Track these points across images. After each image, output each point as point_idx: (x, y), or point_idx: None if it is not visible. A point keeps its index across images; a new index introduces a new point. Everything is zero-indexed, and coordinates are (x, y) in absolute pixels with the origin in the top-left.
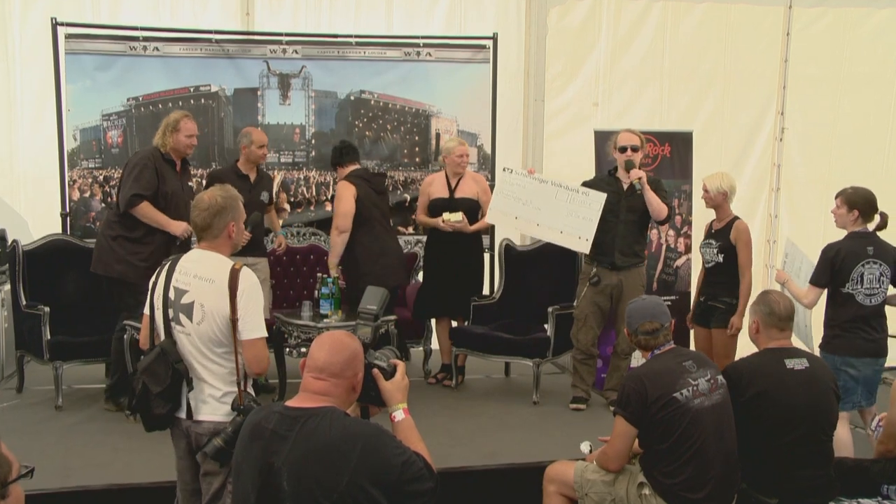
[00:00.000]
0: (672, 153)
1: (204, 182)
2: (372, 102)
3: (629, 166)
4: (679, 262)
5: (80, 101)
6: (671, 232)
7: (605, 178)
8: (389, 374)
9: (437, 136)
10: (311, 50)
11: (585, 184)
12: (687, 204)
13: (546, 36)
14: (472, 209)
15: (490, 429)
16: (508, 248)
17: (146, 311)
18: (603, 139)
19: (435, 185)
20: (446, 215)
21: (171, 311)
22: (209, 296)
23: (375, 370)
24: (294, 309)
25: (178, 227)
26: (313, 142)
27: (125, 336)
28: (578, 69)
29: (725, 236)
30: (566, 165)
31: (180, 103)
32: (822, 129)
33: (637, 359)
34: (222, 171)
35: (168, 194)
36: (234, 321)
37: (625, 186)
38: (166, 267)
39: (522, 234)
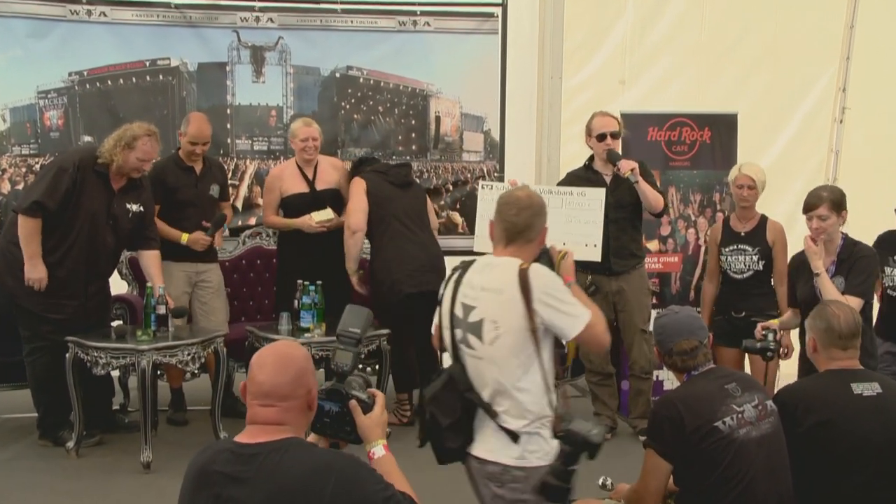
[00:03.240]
0: (713, 139)
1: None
2: (361, 80)
3: (613, 157)
4: None
5: (9, 75)
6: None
7: (580, 174)
8: (369, 406)
9: (438, 119)
10: (288, 18)
11: (560, 184)
12: (730, 199)
13: (564, 1)
14: (338, 202)
15: None
16: None
17: (436, 317)
18: (632, 123)
19: (287, 179)
20: (316, 215)
21: (458, 332)
22: (499, 309)
23: (353, 402)
24: (270, 322)
25: (32, 271)
26: (290, 127)
27: (67, 355)
28: (602, 41)
29: (761, 238)
30: (587, 154)
31: (133, 79)
32: (893, 108)
33: (672, 380)
34: (162, 165)
35: (81, 211)
36: (532, 331)
37: (607, 179)
38: (453, 278)
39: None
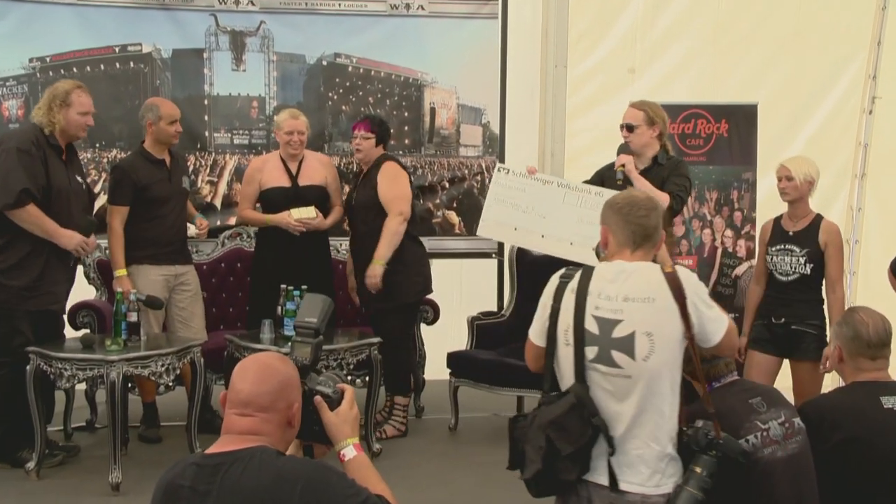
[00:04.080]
0: (730, 132)
1: (104, 176)
2: (349, 69)
3: (619, 150)
4: (739, 269)
5: None
6: (729, 231)
7: (604, 172)
8: (335, 402)
9: (433, 111)
10: (271, 1)
11: (591, 181)
12: (749, 196)
13: None
14: (322, 200)
15: (499, 481)
16: (521, 254)
17: (534, 334)
18: None
19: (268, 172)
20: (296, 212)
21: (590, 350)
22: (653, 319)
23: (318, 398)
24: (251, 330)
25: (71, 240)
26: (275, 118)
27: (28, 368)
28: (610, 26)
29: (812, 239)
30: (594, 148)
31: (101, 67)
32: None
33: None
34: (130, 161)
35: (53, 191)
36: (689, 339)
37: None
38: (570, 289)
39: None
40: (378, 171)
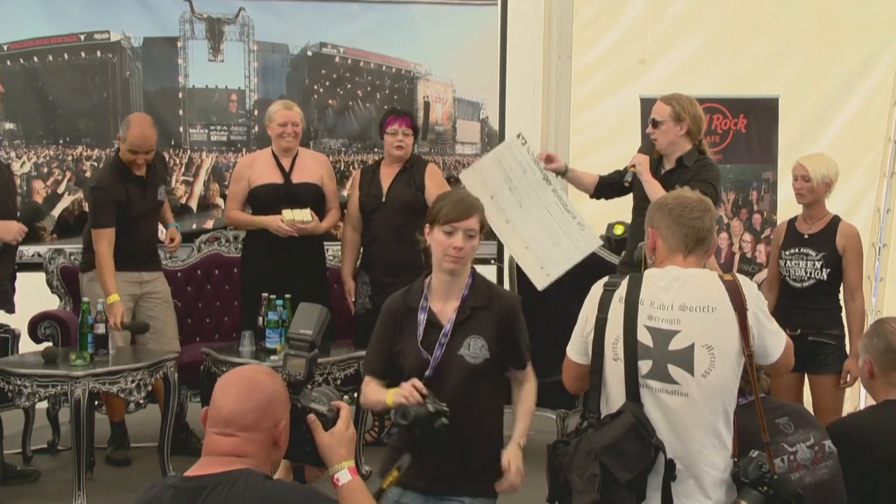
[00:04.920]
0: (749, 128)
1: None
2: (336, 60)
3: (643, 150)
4: (760, 276)
5: None
6: (747, 235)
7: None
8: (330, 421)
9: (427, 105)
10: None
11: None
12: (770, 197)
13: None
14: (317, 200)
15: None
16: None
17: (575, 351)
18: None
19: (258, 168)
20: (288, 213)
21: (644, 365)
22: (713, 331)
23: (311, 416)
24: (230, 342)
25: (9, 231)
26: (256, 113)
27: None
28: (619, 13)
29: (829, 243)
30: (600, 145)
31: (66, 56)
32: None
33: None
34: (109, 179)
35: None
36: (748, 355)
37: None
38: (617, 298)
39: None
40: (423, 173)
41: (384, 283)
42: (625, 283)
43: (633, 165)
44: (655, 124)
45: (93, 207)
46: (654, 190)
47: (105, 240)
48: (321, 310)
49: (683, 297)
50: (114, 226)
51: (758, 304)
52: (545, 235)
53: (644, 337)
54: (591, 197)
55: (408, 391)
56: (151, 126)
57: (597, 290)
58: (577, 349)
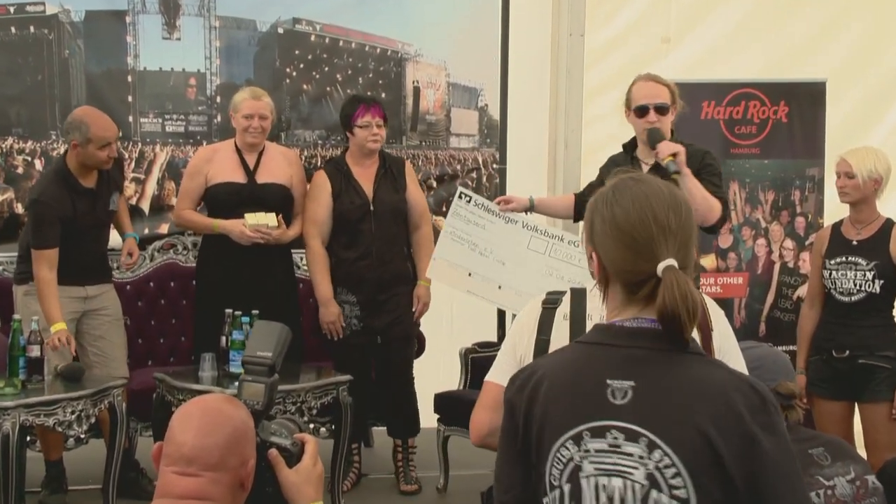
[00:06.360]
0: (791, 117)
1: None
2: (312, 38)
3: (653, 139)
4: (803, 290)
5: None
6: (789, 242)
7: (619, 160)
8: (294, 456)
9: (416, 91)
10: None
11: (601, 169)
12: (815, 198)
13: None
14: (284, 203)
15: None
16: None
17: (502, 375)
18: (680, 96)
19: (218, 163)
20: (251, 217)
21: None
22: None
23: (273, 452)
24: (188, 366)
25: None
26: (218, 100)
27: None
28: None
29: (882, 250)
30: (618, 138)
31: None
32: None
33: None
34: (52, 192)
35: None
36: None
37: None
38: (561, 316)
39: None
40: (403, 173)
41: (377, 300)
42: (566, 298)
43: (673, 155)
44: (663, 110)
45: (34, 224)
46: (697, 186)
47: (46, 262)
48: (281, 328)
49: None
50: (57, 246)
51: (724, 322)
52: (543, 276)
53: None
54: (575, 221)
55: None
56: (104, 115)
57: (534, 308)
58: (505, 372)
